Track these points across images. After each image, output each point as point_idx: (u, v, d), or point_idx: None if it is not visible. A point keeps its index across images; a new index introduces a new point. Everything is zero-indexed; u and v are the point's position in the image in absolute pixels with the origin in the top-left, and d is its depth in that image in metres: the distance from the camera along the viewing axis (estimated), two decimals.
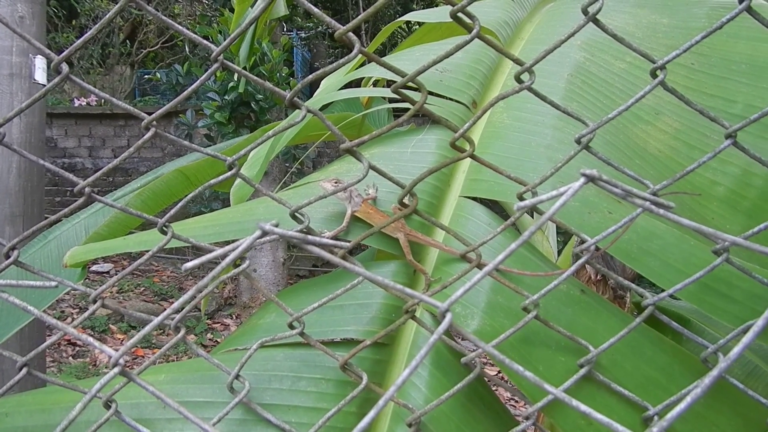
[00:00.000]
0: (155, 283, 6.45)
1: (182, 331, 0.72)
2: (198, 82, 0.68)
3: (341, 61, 0.64)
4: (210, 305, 6.05)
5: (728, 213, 0.89)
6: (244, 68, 3.87)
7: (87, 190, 0.68)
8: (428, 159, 0.92)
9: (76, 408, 0.45)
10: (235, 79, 4.33)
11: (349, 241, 0.71)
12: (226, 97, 5.60)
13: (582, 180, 0.49)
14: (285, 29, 8.68)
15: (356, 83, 1.51)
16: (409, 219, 0.85)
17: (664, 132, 0.96)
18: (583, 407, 0.43)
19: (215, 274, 0.48)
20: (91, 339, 0.48)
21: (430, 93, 1.01)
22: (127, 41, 10.03)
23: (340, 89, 1.11)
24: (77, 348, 5.07)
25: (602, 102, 0.96)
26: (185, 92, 0.68)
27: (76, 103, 8.57)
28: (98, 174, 0.67)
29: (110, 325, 5.45)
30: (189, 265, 0.47)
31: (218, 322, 5.92)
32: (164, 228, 0.71)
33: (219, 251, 0.48)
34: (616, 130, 0.93)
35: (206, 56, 5.60)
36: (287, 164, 5.91)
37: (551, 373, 0.74)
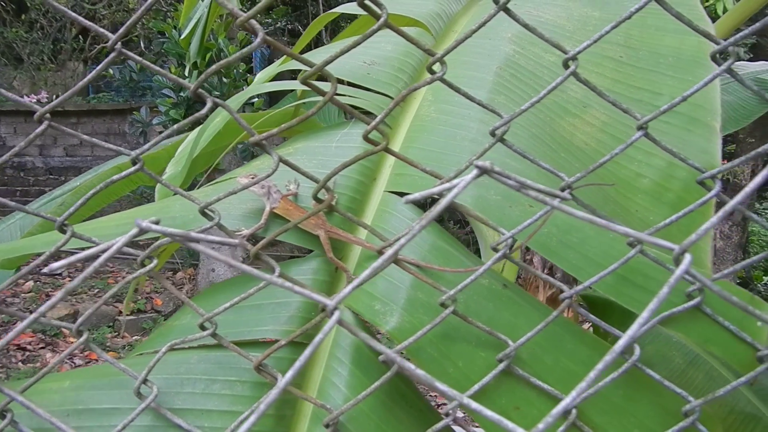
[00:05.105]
0: (110, 285, 6.26)
1: (84, 335, 0.68)
2: (94, 72, 0.64)
3: (243, 50, 0.61)
4: (167, 306, 5.92)
5: (652, 205, 0.89)
6: (195, 63, 3.78)
7: None
8: (353, 153, 0.89)
9: None
10: (186, 74, 4.24)
11: (245, 238, 0.69)
12: (181, 93, 5.47)
13: (475, 171, 0.48)
14: None
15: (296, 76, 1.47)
16: (331, 216, 0.83)
17: (591, 125, 0.95)
18: (474, 405, 0.41)
19: (86, 276, 0.45)
20: None
21: (358, 86, 0.99)
22: (80, 36, 9.73)
23: (266, 82, 1.08)
24: (27, 353, 4.89)
25: (530, 95, 0.95)
26: (81, 82, 0.65)
27: (26, 100, 8.27)
28: None
29: (62, 329, 5.28)
30: (56, 265, 0.44)
31: None
32: (63, 227, 0.67)
33: (91, 251, 0.45)
34: (542, 123, 0.92)
35: (160, 52, 5.47)
36: (245, 162, 5.82)
37: (471, 368, 0.73)
